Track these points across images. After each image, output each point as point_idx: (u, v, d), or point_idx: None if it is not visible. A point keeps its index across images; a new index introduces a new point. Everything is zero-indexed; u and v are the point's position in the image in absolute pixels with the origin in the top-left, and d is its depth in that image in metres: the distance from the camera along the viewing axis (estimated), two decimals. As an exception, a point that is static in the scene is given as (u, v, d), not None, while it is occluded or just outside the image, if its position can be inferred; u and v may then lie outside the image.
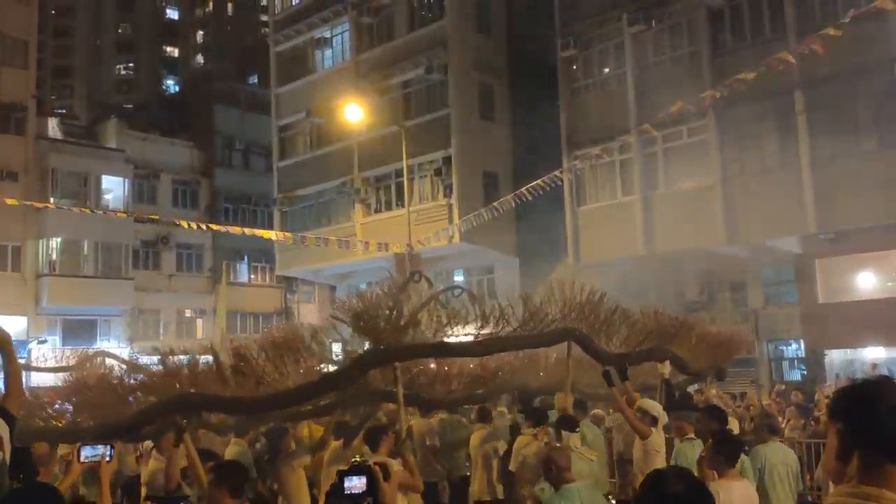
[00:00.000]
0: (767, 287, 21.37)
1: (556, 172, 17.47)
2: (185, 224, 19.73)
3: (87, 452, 3.99)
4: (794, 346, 21.39)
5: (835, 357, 20.03)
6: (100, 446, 4.07)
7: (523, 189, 17.46)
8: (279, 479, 7.58)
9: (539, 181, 17.02)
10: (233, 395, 6.48)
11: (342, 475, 2.41)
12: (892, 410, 1.86)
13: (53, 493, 3.49)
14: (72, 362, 12.36)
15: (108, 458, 3.97)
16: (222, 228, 21.98)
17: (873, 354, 18.78)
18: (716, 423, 7.13)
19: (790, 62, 13.78)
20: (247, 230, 21.84)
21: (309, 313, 35.33)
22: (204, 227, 23.76)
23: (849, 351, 20.04)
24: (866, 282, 19.74)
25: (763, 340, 20.83)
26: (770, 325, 20.77)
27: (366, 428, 7.33)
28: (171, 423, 6.24)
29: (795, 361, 21.42)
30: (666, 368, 8.98)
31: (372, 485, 2.39)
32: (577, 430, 7.42)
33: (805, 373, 20.11)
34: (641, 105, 20.66)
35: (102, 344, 28.81)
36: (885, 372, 16.51)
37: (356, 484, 2.39)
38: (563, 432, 7.31)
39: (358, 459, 2.47)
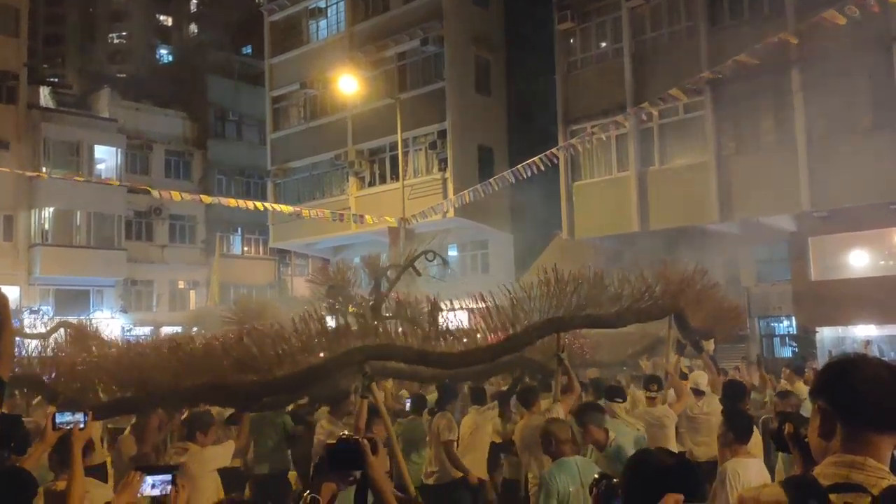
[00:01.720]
0: (760, 264, 21.45)
1: (554, 150, 17.40)
2: (177, 195, 19.59)
3: (61, 419, 3.96)
4: (785, 323, 21.52)
5: (826, 334, 20.15)
6: (72, 413, 4.03)
7: (519, 167, 17.40)
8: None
9: (535, 159, 16.96)
10: (418, 347, 6.69)
11: (331, 447, 2.40)
12: (871, 381, 1.93)
13: (26, 477, 3.47)
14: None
15: (81, 426, 3.94)
16: (215, 200, 21.83)
17: (864, 332, 18.90)
18: (735, 400, 7.12)
19: (788, 39, 13.70)
20: (241, 202, 21.77)
21: (302, 286, 35.34)
22: (198, 198, 23.66)
23: (840, 329, 20.17)
24: (859, 260, 19.83)
25: (755, 317, 20.93)
26: (762, 302, 20.87)
27: (520, 387, 8.25)
28: (359, 372, 6.41)
29: (787, 338, 21.55)
30: (711, 346, 9.81)
31: (360, 458, 2.38)
32: (623, 400, 7.58)
33: (796, 350, 20.23)
34: (638, 80, 20.57)
35: (95, 314, 28.80)
36: (875, 349, 16.61)
37: (345, 457, 2.38)
38: (605, 402, 7.45)
39: (346, 434, 2.46)
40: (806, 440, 2.18)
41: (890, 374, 1.95)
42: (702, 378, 8.86)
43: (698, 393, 8.58)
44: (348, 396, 7.39)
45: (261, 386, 6.45)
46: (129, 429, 7.83)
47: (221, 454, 6.33)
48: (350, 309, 12.80)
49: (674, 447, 7.61)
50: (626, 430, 6.90)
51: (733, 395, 7.35)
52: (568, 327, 7.48)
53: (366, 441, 2.41)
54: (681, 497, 1.47)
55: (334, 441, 2.42)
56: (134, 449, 7.22)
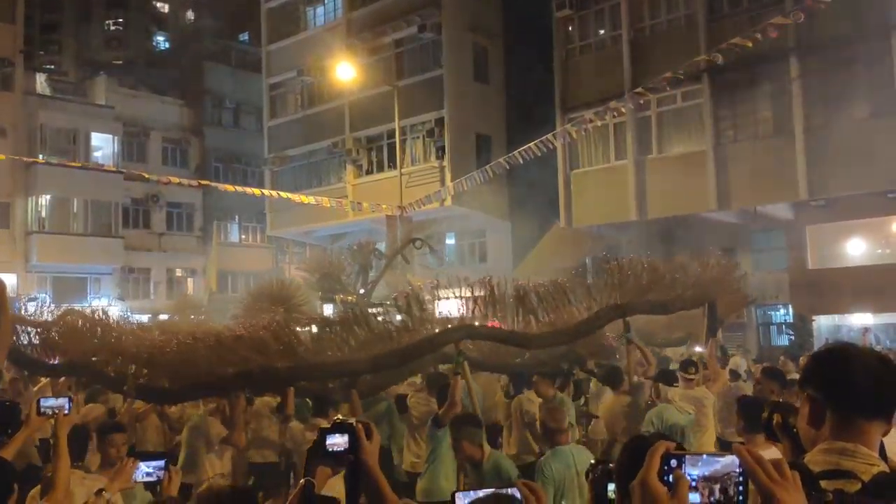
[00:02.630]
0: (757, 253, 21.44)
1: (549, 136, 17.35)
2: (175, 180, 19.58)
3: (46, 404, 3.97)
4: (782, 311, 21.55)
5: (822, 323, 20.20)
6: (54, 398, 4.05)
7: (516, 152, 17.36)
8: None
9: (532, 144, 16.92)
10: (512, 330, 7.36)
11: (324, 433, 2.40)
12: (861, 369, 1.96)
13: (4, 466, 3.47)
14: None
15: (65, 411, 3.95)
16: (214, 185, 21.84)
17: (860, 321, 18.94)
18: (776, 385, 7.12)
19: (786, 27, 13.65)
20: (239, 188, 21.79)
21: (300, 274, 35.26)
22: (196, 183, 23.69)
23: (836, 317, 20.21)
24: (855, 249, 19.86)
25: (752, 306, 20.95)
26: (759, 290, 20.87)
27: (607, 369, 8.89)
28: (454, 352, 6.89)
29: (783, 327, 21.59)
30: (720, 334, 10.53)
31: (354, 443, 2.37)
32: (676, 384, 7.78)
33: (793, 338, 20.28)
34: (637, 68, 20.51)
35: (93, 303, 28.77)
36: (872, 338, 16.64)
37: (338, 441, 2.37)
38: (660, 386, 7.62)
39: (340, 418, 2.46)
40: (795, 429, 2.19)
41: (878, 362, 1.99)
42: (742, 362, 9.80)
43: (736, 375, 9.35)
44: (444, 376, 7.98)
45: (368, 362, 7.01)
46: (203, 411, 7.89)
47: None
48: (339, 297, 12.86)
49: (713, 427, 8.19)
50: (676, 415, 7.18)
51: (777, 380, 7.44)
52: (631, 312, 8.05)
53: (360, 425, 2.40)
54: (672, 444, 1.45)
55: (328, 425, 2.42)
56: (223, 431, 7.27)
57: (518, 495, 1.96)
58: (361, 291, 13.87)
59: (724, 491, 1.37)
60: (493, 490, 2.01)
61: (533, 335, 7.49)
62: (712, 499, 1.37)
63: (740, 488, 1.36)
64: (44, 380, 9.81)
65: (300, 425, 6.71)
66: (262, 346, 7.09)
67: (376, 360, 7.01)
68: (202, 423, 7.45)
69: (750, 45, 13.32)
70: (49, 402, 4.00)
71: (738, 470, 1.37)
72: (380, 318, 7.33)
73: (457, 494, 2.01)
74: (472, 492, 2.06)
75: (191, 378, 7.23)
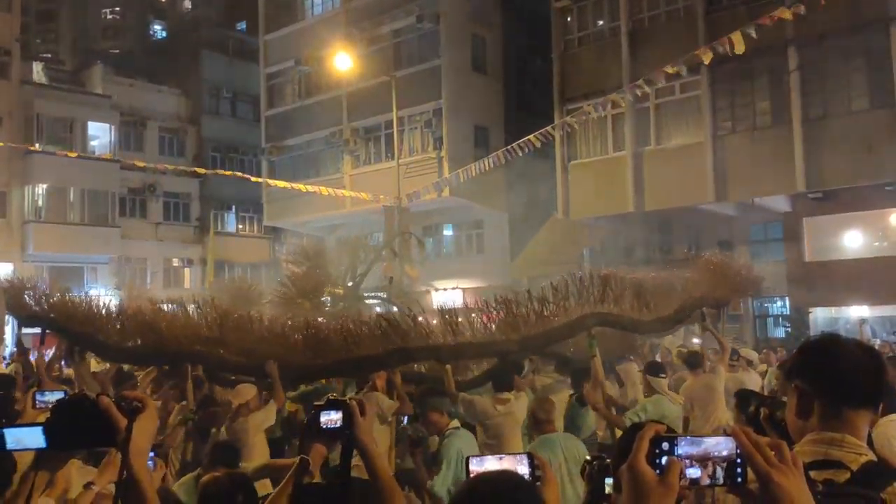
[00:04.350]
0: (754, 245, 21.46)
1: (548, 128, 17.32)
2: (173, 167, 19.58)
3: (41, 398, 3.95)
4: (779, 303, 21.58)
5: (819, 315, 20.23)
6: (51, 392, 4.03)
7: (514, 144, 17.34)
8: None
9: (531, 136, 16.90)
10: (630, 316, 7.85)
11: (318, 410, 2.38)
12: (848, 360, 1.98)
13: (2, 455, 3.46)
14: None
15: None
16: (211, 172, 21.84)
17: (857, 313, 18.97)
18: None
19: (784, 19, 13.63)
20: (237, 174, 21.82)
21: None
22: (193, 170, 23.68)
23: (833, 309, 20.24)
24: (853, 241, 19.87)
25: (748, 298, 20.98)
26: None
27: (687, 352, 9.47)
28: (588, 336, 7.49)
29: (780, 319, 21.62)
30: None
31: (348, 420, 2.36)
32: (664, 374, 8.00)
33: (789, 330, 20.31)
34: (635, 59, 20.46)
35: (90, 292, 28.75)
36: (868, 330, 16.69)
37: (333, 418, 2.36)
38: (649, 377, 7.75)
39: (334, 395, 2.44)
40: (783, 422, 2.19)
41: (864, 352, 2.01)
42: (753, 354, 11.10)
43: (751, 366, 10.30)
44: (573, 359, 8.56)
45: (517, 343, 7.50)
46: (368, 387, 7.91)
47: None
48: (328, 289, 12.82)
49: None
50: (668, 406, 7.36)
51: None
52: (705, 304, 8.80)
53: (354, 402, 2.39)
54: (662, 427, 1.43)
55: (322, 402, 2.40)
56: (394, 403, 7.33)
57: (526, 462, 1.98)
58: (350, 284, 13.81)
59: (726, 471, 1.36)
60: (503, 455, 2.02)
61: (641, 321, 8.08)
62: (711, 480, 1.36)
63: (738, 469, 1.35)
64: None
65: (488, 399, 7.05)
66: (426, 326, 7.64)
67: (524, 341, 7.55)
68: (372, 399, 7.31)
69: (753, 33, 13.30)
70: (45, 396, 3.97)
71: (736, 451, 1.36)
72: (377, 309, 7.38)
73: (470, 459, 2.02)
74: (486, 456, 2.06)
75: (346, 356, 7.55)
